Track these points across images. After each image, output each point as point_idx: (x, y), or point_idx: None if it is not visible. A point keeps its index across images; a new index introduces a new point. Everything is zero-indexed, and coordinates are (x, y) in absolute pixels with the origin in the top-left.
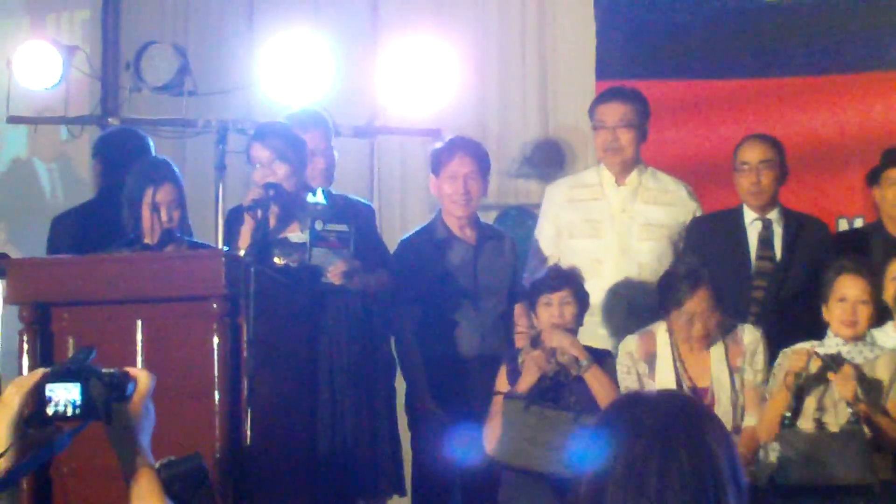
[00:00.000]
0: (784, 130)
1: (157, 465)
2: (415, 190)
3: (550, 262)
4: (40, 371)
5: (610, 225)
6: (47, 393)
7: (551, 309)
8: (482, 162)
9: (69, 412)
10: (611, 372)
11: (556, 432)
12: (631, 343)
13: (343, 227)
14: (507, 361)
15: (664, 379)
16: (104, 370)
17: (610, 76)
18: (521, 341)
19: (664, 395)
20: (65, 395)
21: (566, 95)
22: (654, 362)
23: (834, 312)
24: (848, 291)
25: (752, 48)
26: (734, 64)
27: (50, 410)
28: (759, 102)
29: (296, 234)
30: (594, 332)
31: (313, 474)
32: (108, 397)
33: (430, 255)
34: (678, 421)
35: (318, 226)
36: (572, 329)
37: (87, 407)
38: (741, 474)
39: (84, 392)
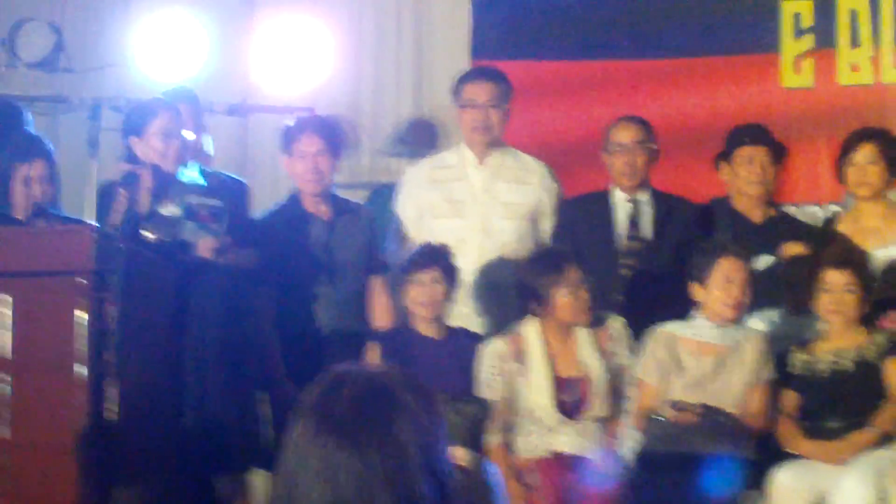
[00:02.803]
0: (657, 112)
1: None
2: None
3: (411, 243)
4: None
5: (472, 205)
6: None
7: (422, 287)
8: (332, 139)
9: None
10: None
11: None
12: (498, 344)
13: (216, 202)
14: (380, 341)
15: (538, 375)
16: None
17: (485, 56)
18: (380, 320)
19: (365, 376)
20: None
21: (441, 75)
22: (525, 360)
23: (714, 293)
24: (734, 273)
25: (627, 30)
26: (609, 45)
27: None
28: (634, 84)
29: (168, 209)
30: (459, 311)
31: (178, 449)
32: None
33: (285, 233)
34: (368, 413)
35: (192, 200)
36: (442, 307)
37: None
38: (441, 462)
39: None
